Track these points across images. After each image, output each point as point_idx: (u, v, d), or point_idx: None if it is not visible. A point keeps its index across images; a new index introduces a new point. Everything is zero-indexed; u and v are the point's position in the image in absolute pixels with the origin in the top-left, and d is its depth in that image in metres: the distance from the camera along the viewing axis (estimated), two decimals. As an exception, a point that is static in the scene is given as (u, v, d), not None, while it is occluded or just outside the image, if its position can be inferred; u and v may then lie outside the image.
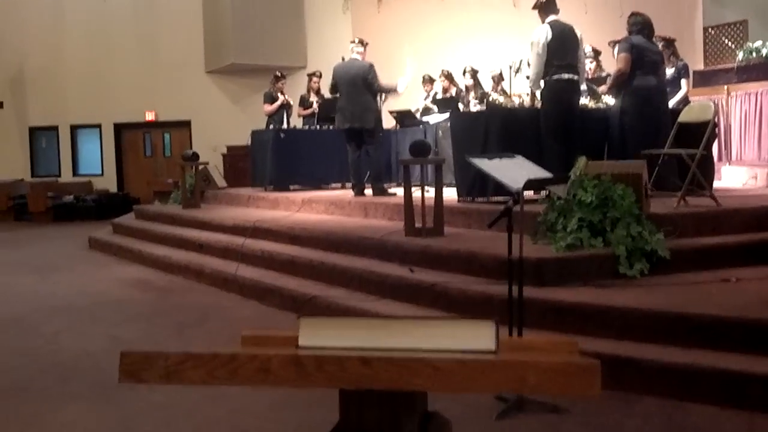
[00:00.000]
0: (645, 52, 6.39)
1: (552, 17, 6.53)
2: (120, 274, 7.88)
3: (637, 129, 6.30)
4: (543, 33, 6.41)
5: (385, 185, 8.83)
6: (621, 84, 6.46)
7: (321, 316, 1.39)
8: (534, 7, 6.69)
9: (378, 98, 8.72)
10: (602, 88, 7.02)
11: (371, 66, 8.38)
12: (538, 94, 6.71)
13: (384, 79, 8.56)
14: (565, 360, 1.15)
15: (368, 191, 8.67)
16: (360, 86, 8.33)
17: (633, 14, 6.67)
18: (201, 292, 6.70)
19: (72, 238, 11.49)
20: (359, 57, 8.48)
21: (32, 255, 9.67)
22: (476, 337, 1.27)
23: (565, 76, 6.40)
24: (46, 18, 16.47)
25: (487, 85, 10.06)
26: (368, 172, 8.74)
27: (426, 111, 10.45)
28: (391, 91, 8.67)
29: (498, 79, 9.83)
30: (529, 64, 6.76)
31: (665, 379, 3.47)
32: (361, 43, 8.57)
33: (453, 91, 10.19)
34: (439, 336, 1.29)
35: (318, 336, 1.34)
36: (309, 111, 10.68)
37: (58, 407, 3.71)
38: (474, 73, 9.99)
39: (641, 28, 6.49)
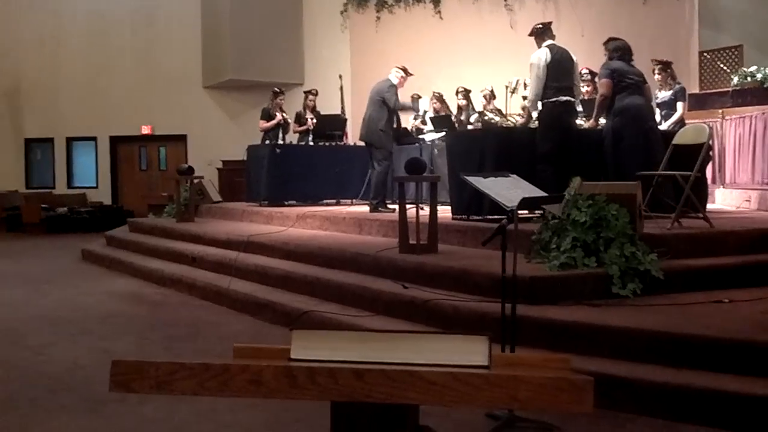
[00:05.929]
0: (626, 75, 6.49)
1: (549, 42, 6.61)
2: (112, 286, 7.85)
3: (629, 147, 6.35)
4: (543, 55, 6.49)
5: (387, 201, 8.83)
6: (607, 108, 6.55)
7: (313, 329, 1.38)
8: (530, 34, 6.77)
9: (392, 118, 8.66)
10: (591, 123, 7.04)
11: (391, 85, 8.47)
12: (534, 114, 6.76)
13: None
14: (558, 375, 1.15)
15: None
16: (376, 102, 8.43)
17: (610, 39, 6.76)
18: (193, 306, 6.67)
19: (65, 250, 11.45)
20: (389, 77, 8.53)
21: (24, 267, 9.61)
22: (470, 352, 1.27)
23: (562, 98, 6.46)
24: (43, 31, 16.51)
25: (479, 103, 10.09)
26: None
27: (419, 131, 10.50)
28: (409, 108, 8.75)
29: (489, 97, 9.85)
30: (525, 85, 6.79)
31: (658, 400, 3.46)
32: (404, 69, 8.60)
33: (443, 114, 10.22)
34: (433, 350, 1.28)
35: (310, 349, 1.33)
36: (304, 128, 10.72)
37: (46, 420, 3.67)
38: (466, 94, 10.03)
39: (621, 54, 6.59)
